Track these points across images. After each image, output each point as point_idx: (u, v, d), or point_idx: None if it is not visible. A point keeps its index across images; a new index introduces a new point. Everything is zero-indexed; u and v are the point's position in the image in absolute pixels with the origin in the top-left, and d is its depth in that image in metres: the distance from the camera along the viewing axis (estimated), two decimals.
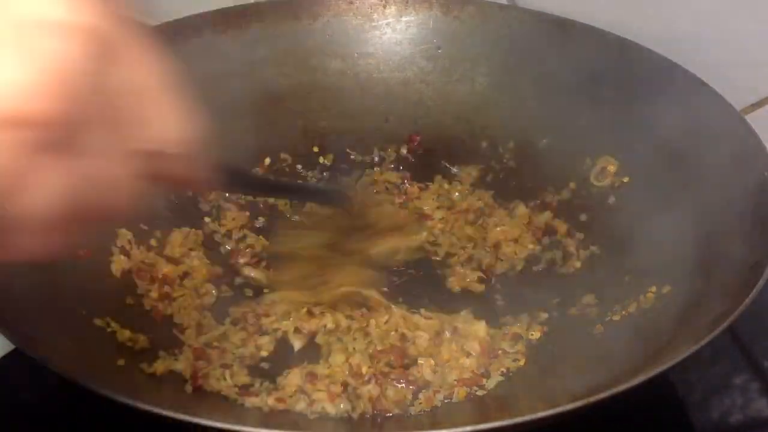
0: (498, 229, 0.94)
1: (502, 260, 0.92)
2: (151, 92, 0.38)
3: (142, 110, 0.38)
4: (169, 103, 0.40)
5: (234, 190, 0.87)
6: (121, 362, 0.75)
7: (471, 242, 0.94)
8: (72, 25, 0.32)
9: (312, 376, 0.75)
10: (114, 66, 0.35)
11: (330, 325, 0.81)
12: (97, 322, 0.78)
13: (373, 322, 0.82)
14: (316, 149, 1.04)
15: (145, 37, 0.38)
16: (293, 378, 0.75)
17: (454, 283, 0.90)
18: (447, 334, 0.81)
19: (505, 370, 0.79)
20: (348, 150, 1.04)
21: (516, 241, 0.93)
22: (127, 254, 0.86)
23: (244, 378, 0.76)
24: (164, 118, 0.40)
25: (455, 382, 0.76)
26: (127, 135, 0.37)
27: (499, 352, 0.80)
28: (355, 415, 0.74)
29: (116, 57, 0.35)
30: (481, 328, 0.81)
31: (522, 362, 0.79)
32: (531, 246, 0.93)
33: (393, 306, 0.83)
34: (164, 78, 0.39)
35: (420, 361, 0.78)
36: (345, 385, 0.75)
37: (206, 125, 0.45)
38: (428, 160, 1.04)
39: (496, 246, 0.93)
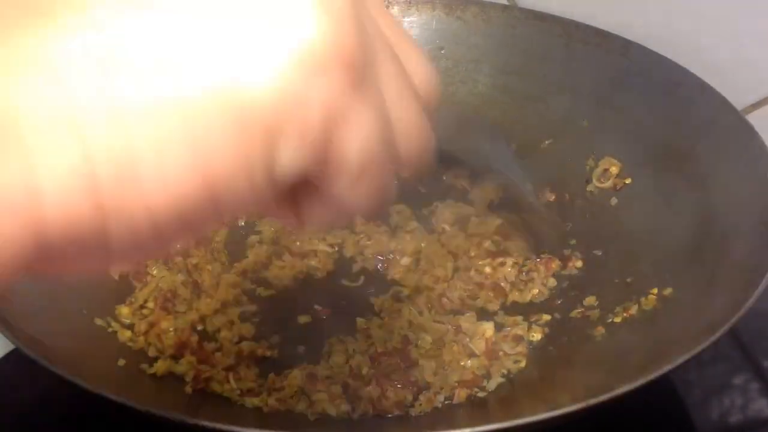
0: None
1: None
2: (398, 37, 0.38)
3: (402, 54, 0.38)
4: (414, 48, 0.40)
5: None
6: (121, 362, 0.75)
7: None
8: None
9: (312, 377, 0.75)
10: (369, 10, 0.36)
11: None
12: (98, 321, 0.78)
13: (376, 323, 0.82)
14: None
15: None
16: (293, 379, 0.75)
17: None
18: (451, 335, 0.81)
19: (506, 372, 0.78)
20: None
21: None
22: None
23: (250, 383, 0.76)
24: (417, 62, 0.40)
25: (456, 384, 0.76)
26: (405, 77, 0.38)
27: (500, 353, 0.80)
28: (355, 416, 0.74)
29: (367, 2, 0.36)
30: (489, 327, 0.81)
31: (523, 364, 0.79)
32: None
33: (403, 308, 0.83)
34: (400, 25, 0.40)
35: (421, 363, 0.78)
36: (345, 386, 0.75)
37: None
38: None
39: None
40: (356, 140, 0.34)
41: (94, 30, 0.31)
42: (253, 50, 0.31)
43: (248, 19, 0.32)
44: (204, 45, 0.31)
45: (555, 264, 0.88)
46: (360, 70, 0.33)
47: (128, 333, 0.79)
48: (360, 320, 0.82)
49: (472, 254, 0.90)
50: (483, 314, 0.84)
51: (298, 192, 0.36)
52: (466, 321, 0.83)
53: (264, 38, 0.31)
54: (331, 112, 0.32)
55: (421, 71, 0.40)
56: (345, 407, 0.74)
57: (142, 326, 0.80)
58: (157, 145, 0.30)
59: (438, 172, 1.01)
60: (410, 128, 0.38)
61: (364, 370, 0.76)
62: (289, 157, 0.32)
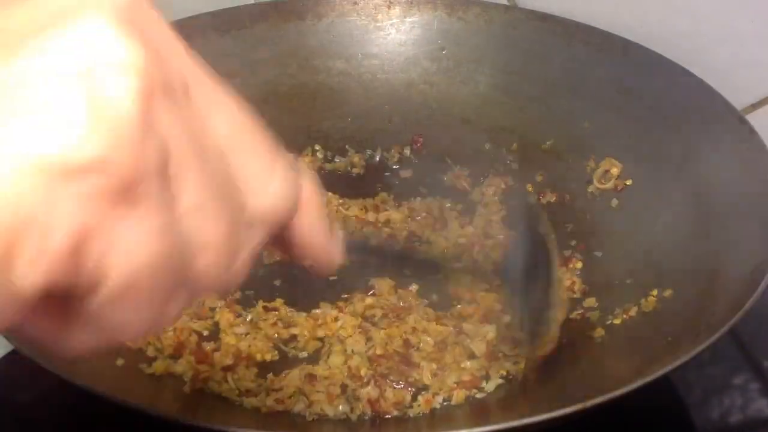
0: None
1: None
2: (238, 142, 0.35)
3: (234, 163, 0.34)
4: (262, 155, 0.36)
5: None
6: (120, 362, 0.75)
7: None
8: (132, 66, 0.29)
9: (311, 378, 0.75)
10: (183, 110, 0.32)
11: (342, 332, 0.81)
12: None
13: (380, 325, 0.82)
14: (318, 150, 1.04)
15: (215, 80, 0.35)
16: (292, 379, 0.75)
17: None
18: (453, 337, 0.81)
19: (504, 373, 0.78)
20: (351, 151, 1.04)
21: None
22: None
23: (248, 384, 0.76)
24: (259, 172, 0.36)
25: (455, 385, 0.76)
26: (220, 190, 0.33)
27: (500, 354, 0.80)
28: (353, 417, 0.74)
29: (188, 101, 0.32)
30: (491, 329, 0.81)
31: (522, 365, 0.79)
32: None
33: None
34: (251, 125, 0.36)
35: (422, 364, 0.78)
36: (344, 386, 0.75)
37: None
38: (432, 161, 1.04)
39: None
40: (122, 257, 0.30)
41: None
42: None
43: (8, 107, 0.28)
44: None
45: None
46: (125, 179, 0.29)
47: None
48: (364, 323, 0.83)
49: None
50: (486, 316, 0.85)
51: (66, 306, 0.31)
52: (468, 323, 0.83)
53: (9, 136, 0.27)
54: (80, 228, 0.28)
55: (263, 183, 0.36)
56: (343, 408, 0.74)
57: None
58: None
59: (438, 173, 1.02)
60: (207, 247, 0.33)
61: (363, 371, 0.76)
62: (26, 271, 0.28)
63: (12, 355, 0.82)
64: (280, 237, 0.39)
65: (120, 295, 0.30)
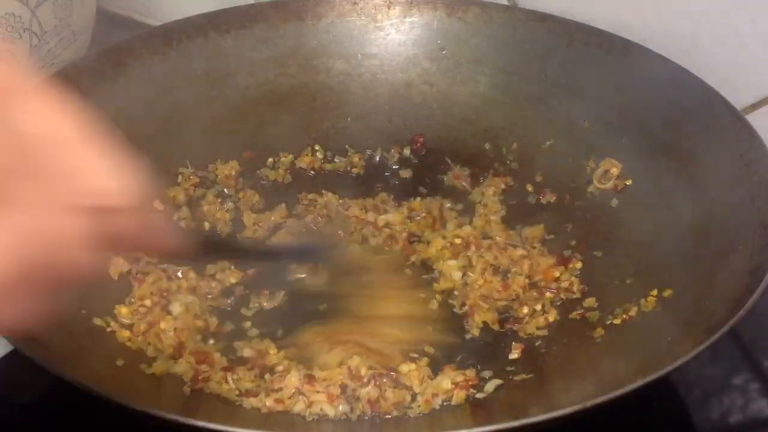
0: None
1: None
2: (70, 143, 0.37)
3: (64, 161, 0.37)
4: (93, 154, 0.38)
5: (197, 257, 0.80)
6: (120, 362, 0.75)
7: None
8: None
9: (310, 378, 0.75)
10: (16, 114, 0.34)
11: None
12: (97, 321, 0.78)
13: None
14: (318, 150, 1.04)
15: (47, 88, 0.37)
16: (291, 380, 0.75)
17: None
18: None
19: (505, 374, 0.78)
20: (351, 151, 1.04)
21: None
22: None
23: (248, 384, 0.76)
24: (93, 169, 0.38)
25: (453, 386, 0.76)
26: (56, 188, 0.36)
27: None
28: (353, 417, 0.74)
29: (15, 104, 0.34)
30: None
31: (522, 366, 0.79)
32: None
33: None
34: (82, 128, 0.38)
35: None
36: (344, 387, 0.75)
37: (148, 177, 0.42)
38: (432, 161, 1.04)
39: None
40: None
41: None
42: None
43: None
44: None
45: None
46: None
47: (127, 333, 0.79)
48: None
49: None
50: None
51: None
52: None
53: None
54: None
55: (99, 170, 0.38)
56: (343, 408, 0.74)
57: (141, 326, 0.80)
58: None
59: (438, 173, 1.02)
60: (65, 246, 0.36)
61: (363, 371, 0.76)
62: None
63: (12, 355, 0.82)
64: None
65: None
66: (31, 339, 0.67)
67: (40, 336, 0.68)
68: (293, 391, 0.74)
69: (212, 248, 0.72)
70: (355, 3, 1.06)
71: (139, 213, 0.41)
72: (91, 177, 0.38)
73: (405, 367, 0.77)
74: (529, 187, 0.98)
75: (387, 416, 0.74)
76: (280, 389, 0.75)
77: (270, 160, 1.02)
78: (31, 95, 0.36)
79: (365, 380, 0.75)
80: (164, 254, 0.44)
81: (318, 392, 0.74)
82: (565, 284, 0.87)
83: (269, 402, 0.73)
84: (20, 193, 0.34)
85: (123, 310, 0.81)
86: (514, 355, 0.80)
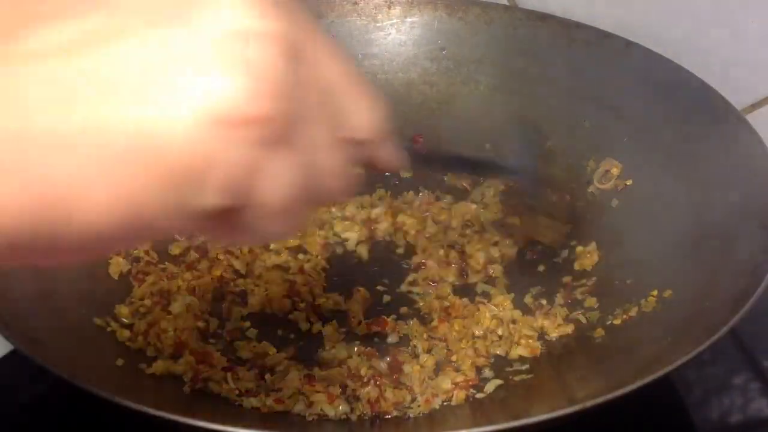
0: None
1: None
2: (343, 86, 0.42)
3: (342, 103, 0.42)
4: (360, 94, 0.43)
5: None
6: (120, 362, 0.75)
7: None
8: (267, 32, 0.36)
9: (310, 378, 0.75)
10: (307, 65, 0.38)
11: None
12: (97, 321, 0.78)
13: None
14: None
15: (323, 36, 0.42)
16: (291, 380, 0.75)
17: None
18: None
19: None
20: None
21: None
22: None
23: (248, 384, 0.76)
24: (359, 107, 0.43)
25: (453, 386, 0.76)
26: (335, 126, 0.41)
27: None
28: (353, 417, 0.73)
29: (307, 57, 0.38)
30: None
31: (523, 366, 0.79)
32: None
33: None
34: (349, 71, 0.43)
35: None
36: (344, 386, 0.75)
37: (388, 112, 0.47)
38: (431, 161, 1.03)
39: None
40: (274, 187, 0.37)
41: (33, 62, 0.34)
42: (173, 101, 0.34)
43: (176, 67, 0.34)
44: (130, 86, 0.34)
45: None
46: (278, 127, 0.36)
47: (127, 332, 0.79)
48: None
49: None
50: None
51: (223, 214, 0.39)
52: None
53: (185, 91, 0.34)
54: (247, 164, 0.36)
55: (363, 114, 0.44)
56: (344, 408, 0.74)
57: (141, 326, 0.80)
58: (80, 178, 0.34)
59: (439, 173, 1.02)
60: (332, 176, 0.41)
61: (363, 371, 0.76)
62: (208, 199, 0.36)
63: (12, 355, 0.82)
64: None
65: (271, 212, 0.38)
66: (31, 339, 0.67)
67: (40, 336, 0.68)
68: (294, 391, 0.74)
69: None
70: (355, 3, 1.06)
71: (381, 143, 0.47)
72: (359, 115, 0.43)
73: (408, 367, 0.77)
74: (530, 188, 0.97)
75: (387, 416, 0.74)
76: (281, 389, 0.75)
77: None
78: (320, 41, 0.41)
79: (365, 380, 0.75)
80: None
81: (318, 392, 0.74)
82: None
83: (269, 402, 0.73)
84: (304, 132, 0.38)
85: (123, 310, 0.81)
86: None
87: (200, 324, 0.82)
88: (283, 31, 0.36)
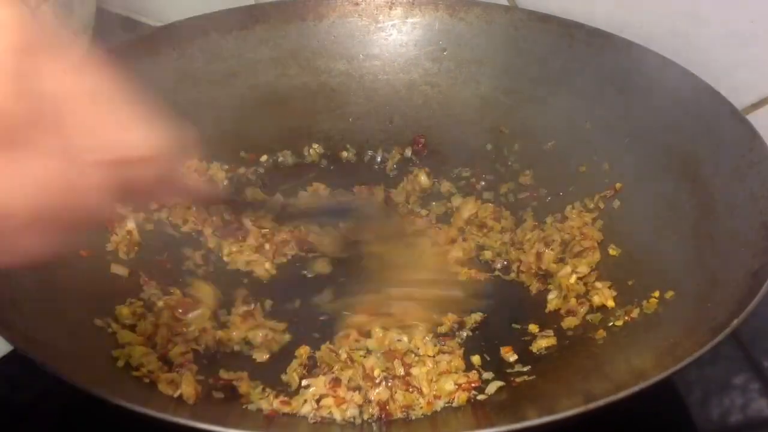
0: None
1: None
2: (91, 98, 0.39)
3: (84, 116, 0.39)
4: (113, 110, 0.40)
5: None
6: (120, 364, 0.75)
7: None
8: (6, 24, 0.34)
9: (336, 382, 0.75)
10: (46, 69, 0.36)
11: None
12: (98, 322, 0.78)
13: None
14: (320, 150, 1.04)
15: (77, 48, 0.39)
16: (318, 384, 0.75)
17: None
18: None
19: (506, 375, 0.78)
20: (352, 151, 1.04)
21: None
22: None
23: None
24: (111, 124, 0.40)
25: (456, 388, 0.75)
26: (76, 140, 0.38)
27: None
28: (359, 421, 0.73)
29: (46, 59, 0.36)
30: None
31: (524, 367, 0.79)
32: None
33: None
34: (104, 85, 0.40)
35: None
36: (356, 388, 0.75)
37: (180, 135, 0.44)
38: (433, 161, 1.03)
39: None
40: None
41: None
42: None
43: None
44: None
45: None
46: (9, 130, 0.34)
47: (128, 334, 0.79)
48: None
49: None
50: None
51: None
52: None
53: None
54: None
55: (123, 127, 0.41)
56: (352, 411, 0.73)
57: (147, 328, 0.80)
58: None
59: (439, 173, 1.02)
60: (76, 192, 0.39)
61: (377, 372, 0.76)
62: None
63: (12, 355, 0.82)
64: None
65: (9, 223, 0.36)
66: (32, 340, 0.67)
67: (40, 336, 0.68)
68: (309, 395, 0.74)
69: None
70: (356, 4, 1.06)
71: (156, 166, 0.44)
72: (109, 131, 0.40)
73: (416, 370, 0.77)
74: (530, 188, 0.98)
75: (391, 418, 0.73)
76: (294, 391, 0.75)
77: (265, 158, 1.03)
78: (58, 51, 0.38)
79: (377, 381, 0.75)
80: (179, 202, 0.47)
81: (327, 396, 0.73)
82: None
83: (275, 403, 0.73)
84: (42, 142, 0.36)
85: (124, 311, 0.81)
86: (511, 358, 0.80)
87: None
88: (25, 29, 0.35)
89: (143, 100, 0.42)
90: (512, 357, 0.80)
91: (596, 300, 0.83)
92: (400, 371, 0.76)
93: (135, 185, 0.43)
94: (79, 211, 0.39)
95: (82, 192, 0.39)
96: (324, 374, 0.76)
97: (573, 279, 0.86)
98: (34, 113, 0.35)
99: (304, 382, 0.75)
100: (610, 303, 0.83)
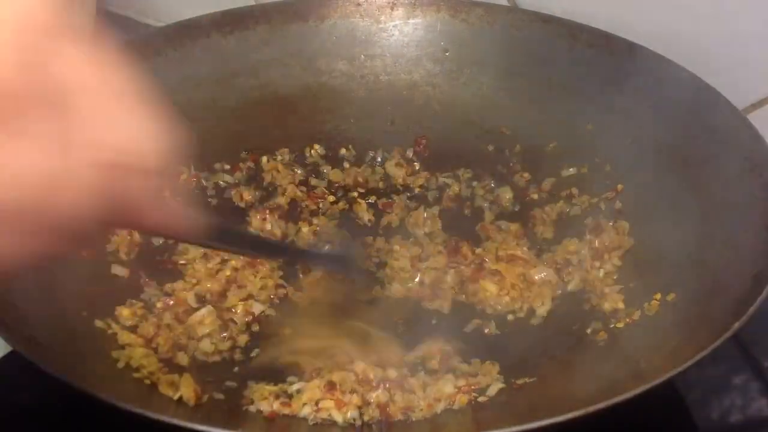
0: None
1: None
2: (103, 97, 0.38)
3: (92, 112, 0.37)
4: (121, 110, 0.39)
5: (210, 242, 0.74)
6: (121, 365, 0.75)
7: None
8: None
9: (330, 386, 0.74)
10: (55, 55, 0.35)
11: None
12: (98, 323, 0.78)
13: None
14: (321, 150, 1.04)
15: (91, 42, 0.38)
16: (312, 389, 0.74)
17: None
18: None
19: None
20: (353, 152, 1.04)
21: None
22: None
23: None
24: (116, 124, 0.39)
25: (456, 390, 0.75)
26: (76, 134, 0.36)
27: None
28: (359, 422, 0.73)
29: (57, 45, 0.35)
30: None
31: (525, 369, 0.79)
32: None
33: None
34: (116, 83, 0.39)
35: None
36: (352, 391, 0.74)
37: (179, 143, 0.42)
38: (434, 162, 1.03)
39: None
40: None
41: None
42: None
43: None
44: None
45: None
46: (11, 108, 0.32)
47: (128, 335, 0.79)
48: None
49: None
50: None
51: None
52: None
53: None
54: None
55: (127, 126, 0.39)
56: (352, 414, 0.73)
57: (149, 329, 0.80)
58: None
59: (439, 173, 1.02)
60: (63, 186, 0.36)
61: (371, 375, 0.76)
62: None
63: (12, 355, 0.82)
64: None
65: None
66: (32, 340, 0.67)
67: (40, 337, 0.68)
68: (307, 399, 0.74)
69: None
70: (358, 4, 1.06)
71: (152, 181, 0.42)
72: (111, 130, 0.38)
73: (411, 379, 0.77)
74: (532, 189, 0.98)
75: (392, 421, 0.73)
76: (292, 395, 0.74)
77: (264, 158, 1.02)
78: (75, 41, 0.37)
79: (374, 384, 0.75)
80: (165, 233, 0.44)
81: (327, 399, 0.73)
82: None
83: (276, 405, 0.73)
84: (40, 128, 0.34)
85: (124, 312, 0.81)
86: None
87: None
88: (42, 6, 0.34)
89: (145, 101, 0.41)
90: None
91: (606, 307, 0.83)
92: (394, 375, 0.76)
93: (124, 199, 0.41)
94: (63, 212, 0.37)
95: (71, 192, 0.37)
96: (312, 378, 0.76)
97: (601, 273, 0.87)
98: (37, 91, 0.34)
99: (295, 387, 0.75)
100: (620, 305, 0.83)
